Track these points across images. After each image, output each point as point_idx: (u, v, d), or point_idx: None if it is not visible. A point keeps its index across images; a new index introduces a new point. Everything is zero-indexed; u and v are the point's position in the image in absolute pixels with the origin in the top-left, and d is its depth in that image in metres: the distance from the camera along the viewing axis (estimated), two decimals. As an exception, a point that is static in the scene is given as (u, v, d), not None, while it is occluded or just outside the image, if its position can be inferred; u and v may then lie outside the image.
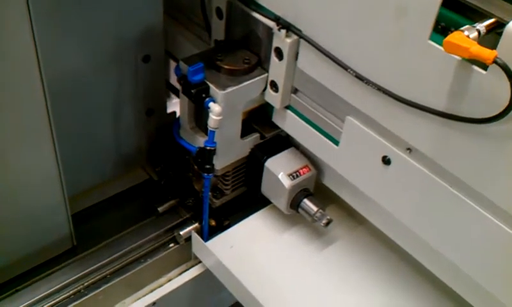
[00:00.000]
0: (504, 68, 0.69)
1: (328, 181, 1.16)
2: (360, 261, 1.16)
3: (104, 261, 1.17)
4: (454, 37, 0.71)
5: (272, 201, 1.19)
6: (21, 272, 1.13)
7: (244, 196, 1.26)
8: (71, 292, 1.13)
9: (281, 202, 1.15)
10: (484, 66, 0.73)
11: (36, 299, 1.10)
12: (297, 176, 1.13)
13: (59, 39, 1.04)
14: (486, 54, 0.68)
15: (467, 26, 0.73)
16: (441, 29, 0.80)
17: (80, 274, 1.15)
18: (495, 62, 0.68)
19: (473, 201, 0.83)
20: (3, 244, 1.07)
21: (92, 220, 1.26)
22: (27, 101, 0.96)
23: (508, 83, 0.69)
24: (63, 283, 1.13)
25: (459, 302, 0.99)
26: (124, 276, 1.16)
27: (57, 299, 1.11)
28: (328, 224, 1.12)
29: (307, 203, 1.14)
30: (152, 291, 1.17)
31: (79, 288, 1.14)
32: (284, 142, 1.18)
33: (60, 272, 1.15)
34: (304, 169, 1.14)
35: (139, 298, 1.16)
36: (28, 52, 0.91)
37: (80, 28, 1.06)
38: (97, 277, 1.16)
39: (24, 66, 0.92)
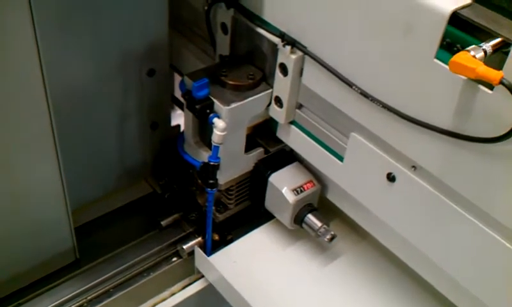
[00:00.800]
0: (510, 88, 0.69)
1: (331, 196, 1.16)
2: (364, 276, 1.16)
3: (107, 275, 1.17)
4: (460, 57, 0.71)
5: (276, 215, 1.19)
6: (24, 285, 1.12)
7: (248, 211, 1.26)
8: (74, 306, 1.13)
9: (285, 217, 1.15)
10: (490, 86, 0.73)
11: (39, 312, 1.10)
12: (301, 191, 1.13)
13: (64, 52, 1.04)
14: (493, 75, 0.68)
15: (473, 46, 0.73)
16: (447, 45, 0.80)
17: (83, 288, 1.15)
18: (501, 83, 0.68)
19: (478, 220, 0.83)
20: (6, 257, 1.07)
21: (95, 234, 1.26)
22: (31, 113, 0.96)
23: (514, 103, 0.70)
24: (66, 297, 1.13)
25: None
26: (127, 290, 1.16)
27: (61, 313, 1.11)
28: (332, 239, 1.12)
29: (311, 218, 1.13)
30: (154, 305, 1.17)
31: (82, 302, 1.13)
32: (288, 157, 1.18)
33: (63, 286, 1.15)
34: (308, 184, 1.14)
35: (142, 312, 1.17)
36: (31, 65, 0.91)
37: (85, 41, 1.06)
38: (100, 291, 1.15)
39: (27, 78, 0.92)
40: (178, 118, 1.38)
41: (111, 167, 1.27)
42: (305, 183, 1.14)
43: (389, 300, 1.12)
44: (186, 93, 1.05)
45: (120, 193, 1.32)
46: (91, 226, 1.27)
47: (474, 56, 0.71)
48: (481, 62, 0.70)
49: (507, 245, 0.80)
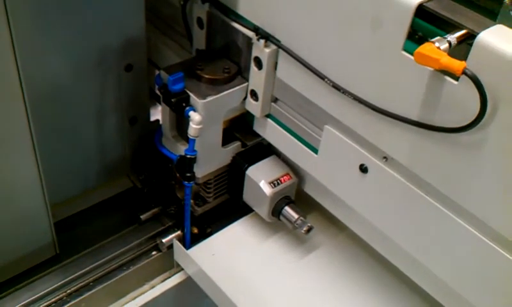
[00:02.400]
0: (473, 78, 0.70)
1: (308, 189, 1.17)
2: (341, 267, 1.18)
3: (86, 269, 1.17)
4: (424, 48, 0.72)
5: (254, 208, 1.20)
6: (3, 280, 1.13)
7: (226, 204, 1.27)
8: (53, 300, 1.13)
9: (263, 210, 1.16)
10: (456, 77, 0.74)
11: (18, 306, 1.10)
12: (278, 183, 1.14)
13: (40, 48, 1.05)
14: (456, 65, 0.70)
15: (438, 38, 0.74)
16: (418, 39, 0.81)
17: (63, 281, 1.15)
18: (464, 73, 0.70)
19: (448, 209, 0.85)
20: (-15, 252, 1.07)
21: (75, 228, 1.26)
22: (6, 108, 0.96)
23: (478, 93, 0.71)
24: (46, 291, 1.13)
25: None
26: (107, 283, 1.17)
27: (40, 306, 1.11)
28: (308, 231, 1.13)
29: (288, 210, 1.15)
30: (134, 298, 1.17)
31: (61, 295, 1.14)
32: (265, 150, 1.19)
33: (43, 280, 1.15)
34: (285, 177, 1.15)
35: (122, 305, 1.17)
36: (7, 60, 0.91)
37: (61, 36, 1.06)
38: (80, 285, 1.16)
39: (3, 75, 0.92)
40: (159, 115, 1.38)
41: (91, 162, 1.27)
42: (282, 176, 1.15)
43: (366, 292, 1.14)
44: (162, 86, 1.06)
45: (99, 188, 1.32)
46: (71, 221, 1.27)
47: (439, 47, 0.72)
48: (445, 53, 0.71)
49: (477, 233, 0.82)
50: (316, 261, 1.19)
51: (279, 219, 1.16)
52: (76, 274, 1.17)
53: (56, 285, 1.15)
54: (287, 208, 1.15)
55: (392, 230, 0.95)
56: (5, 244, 1.10)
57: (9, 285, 1.13)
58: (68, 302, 1.13)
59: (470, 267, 0.86)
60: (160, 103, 1.29)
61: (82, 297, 1.14)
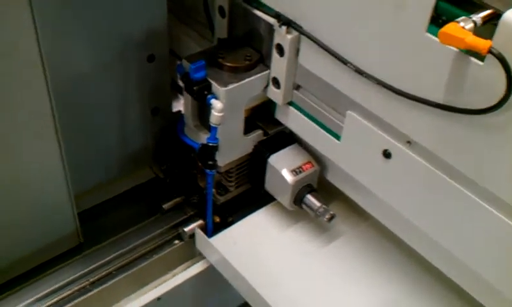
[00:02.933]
0: (500, 58, 0.69)
1: (331, 177, 1.16)
2: (364, 256, 1.17)
3: (109, 258, 1.18)
4: (449, 28, 0.71)
5: (275, 197, 1.20)
6: (28, 269, 1.14)
7: (248, 193, 1.27)
8: (76, 288, 1.14)
9: (285, 198, 1.16)
10: (481, 58, 0.73)
11: (42, 294, 1.12)
12: (300, 172, 1.14)
13: (63, 39, 1.06)
14: (481, 44, 0.69)
15: (463, 17, 0.73)
16: (442, 23, 0.80)
17: (86, 270, 1.16)
18: (490, 52, 0.69)
19: (473, 192, 0.84)
20: (10, 241, 1.08)
21: (99, 218, 1.27)
22: (32, 100, 0.97)
23: (504, 73, 0.70)
24: (69, 279, 1.14)
25: (462, 295, 1.00)
26: (129, 272, 1.17)
27: (63, 295, 1.12)
28: (331, 219, 1.12)
29: (310, 198, 1.14)
30: (156, 287, 1.18)
31: (84, 284, 1.15)
32: (287, 138, 1.19)
33: (66, 269, 1.16)
34: (307, 165, 1.15)
35: (145, 294, 1.18)
36: (32, 51, 0.92)
37: (84, 26, 1.07)
38: (103, 274, 1.17)
39: (27, 65, 0.93)
40: (181, 106, 1.39)
41: (113, 152, 1.28)
42: (304, 164, 1.15)
43: (390, 280, 1.13)
44: (184, 75, 1.06)
45: (122, 178, 1.33)
46: (94, 211, 1.28)
47: (464, 27, 0.72)
48: (470, 33, 0.70)
49: (503, 217, 0.81)
50: (338, 249, 1.18)
51: (301, 208, 1.16)
52: (99, 263, 1.18)
53: (79, 274, 1.16)
54: (309, 196, 1.14)
55: (416, 216, 0.95)
56: (29, 233, 1.11)
57: (34, 274, 1.14)
58: (91, 290, 1.14)
59: (497, 253, 0.84)
60: (181, 94, 1.29)
61: (105, 285, 1.15)
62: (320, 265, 1.15)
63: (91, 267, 1.17)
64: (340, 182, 1.13)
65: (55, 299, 1.12)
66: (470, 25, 0.73)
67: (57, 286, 1.13)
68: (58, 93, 0.99)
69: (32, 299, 1.11)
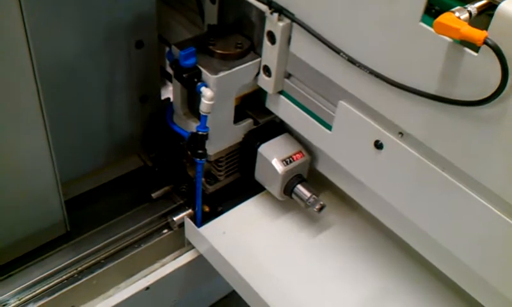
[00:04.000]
0: (495, 49, 0.68)
1: (321, 167, 1.16)
2: (354, 246, 1.16)
3: (97, 246, 1.17)
4: (444, 18, 0.70)
5: (265, 187, 1.19)
6: (14, 257, 1.13)
7: (238, 182, 1.26)
8: (65, 277, 1.13)
9: (275, 188, 1.15)
10: (476, 48, 0.73)
11: (29, 283, 1.10)
12: (290, 161, 1.13)
13: (50, 25, 1.04)
14: (477, 34, 0.68)
15: (458, 7, 0.73)
16: (435, 13, 0.79)
17: (74, 258, 1.15)
18: (485, 43, 0.68)
19: (465, 185, 0.83)
20: (-3, 229, 1.07)
21: (86, 207, 1.26)
22: (18, 86, 0.95)
23: (499, 64, 0.69)
24: (57, 268, 1.13)
25: (452, 286, 1.00)
26: (118, 261, 1.16)
27: (51, 283, 1.11)
28: (321, 209, 1.12)
29: (300, 188, 1.13)
30: (145, 276, 1.17)
31: (72, 272, 1.14)
32: (278, 128, 1.18)
33: (54, 257, 1.15)
34: (297, 155, 1.14)
35: (133, 283, 1.16)
36: (18, 37, 0.90)
37: (71, 11, 1.05)
38: (91, 262, 1.15)
39: (13, 51, 0.91)
40: (170, 93, 1.37)
41: (101, 140, 1.26)
42: (294, 154, 1.14)
43: (379, 270, 1.13)
44: (173, 62, 1.05)
45: (111, 166, 1.32)
46: (82, 199, 1.27)
47: (459, 17, 0.71)
48: (466, 23, 0.70)
49: (494, 209, 0.80)
50: (328, 240, 1.18)
51: (291, 198, 1.15)
52: (87, 252, 1.16)
53: (66, 262, 1.14)
54: (299, 186, 1.13)
55: (407, 207, 0.94)
56: (16, 222, 1.10)
57: (21, 262, 1.13)
58: (80, 279, 1.13)
59: (487, 245, 0.84)
60: (171, 81, 1.28)
61: (94, 274, 1.14)
62: (310, 255, 1.15)
63: (79, 256, 1.15)
64: (330, 173, 1.13)
65: (43, 288, 1.11)
66: (465, 15, 0.72)
67: (45, 274, 1.12)
68: (45, 80, 0.98)
69: (19, 288, 1.10)
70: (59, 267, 1.13)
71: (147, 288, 1.15)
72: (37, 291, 1.10)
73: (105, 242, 1.18)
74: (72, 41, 1.09)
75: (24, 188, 1.07)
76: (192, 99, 1.12)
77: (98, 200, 1.28)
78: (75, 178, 1.25)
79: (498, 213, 0.80)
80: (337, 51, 0.91)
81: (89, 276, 1.14)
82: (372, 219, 1.08)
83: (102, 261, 1.16)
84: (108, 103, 1.22)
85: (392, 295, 1.09)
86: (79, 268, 1.14)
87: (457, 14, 0.71)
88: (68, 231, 1.19)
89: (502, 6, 0.69)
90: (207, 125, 1.06)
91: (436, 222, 0.90)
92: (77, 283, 1.12)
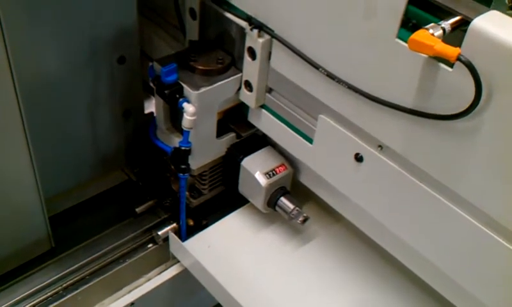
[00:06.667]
0: (468, 65, 0.70)
1: (304, 179, 1.17)
2: (337, 257, 1.17)
3: (82, 262, 1.17)
4: (418, 35, 0.72)
5: (249, 200, 1.20)
6: (-1, 274, 1.13)
7: (222, 196, 1.27)
8: (50, 293, 1.13)
9: (259, 201, 1.16)
10: (451, 64, 0.74)
11: (14, 300, 1.10)
12: (273, 174, 1.14)
13: (30, 39, 1.03)
14: (450, 51, 0.70)
15: (432, 24, 0.74)
16: (412, 27, 0.81)
17: (59, 275, 1.15)
18: (458, 59, 0.70)
19: (443, 197, 0.85)
20: (-20, 246, 1.07)
21: (71, 222, 1.26)
22: (-1, 101, 0.95)
23: (472, 80, 0.71)
24: (42, 285, 1.13)
25: (433, 294, 1.01)
26: (103, 277, 1.16)
27: (36, 300, 1.11)
28: (304, 221, 1.13)
29: (284, 201, 1.14)
30: (130, 291, 1.17)
31: (57, 289, 1.13)
32: (260, 141, 1.19)
33: (38, 274, 1.15)
34: (280, 168, 1.15)
35: (118, 298, 1.16)
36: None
37: (52, 27, 1.05)
38: (76, 278, 1.15)
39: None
40: (153, 107, 1.37)
41: (85, 155, 1.26)
42: (277, 167, 1.15)
43: (363, 281, 1.14)
44: (155, 78, 1.05)
45: (94, 181, 1.31)
46: (66, 215, 1.26)
47: (433, 34, 0.72)
48: (439, 40, 0.71)
49: (472, 220, 0.82)
50: (312, 251, 1.19)
51: (275, 210, 1.16)
52: (72, 268, 1.16)
53: (51, 279, 1.14)
54: (282, 198, 1.14)
55: (387, 219, 0.95)
56: (0, 239, 1.09)
57: (5, 280, 1.12)
58: (65, 295, 1.13)
59: (466, 254, 0.86)
60: (153, 96, 1.28)
61: (79, 290, 1.14)
62: (295, 267, 1.16)
63: (63, 272, 1.15)
64: (313, 184, 1.14)
65: (28, 305, 1.10)
66: (439, 31, 0.74)
67: (29, 292, 1.12)
68: (27, 95, 0.98)
69: (4, 305, 1.09)
70: (44, 283, 1.13)
71: (132, 303, 1.15)
72: (22, 309, 1.10)
73: (90, 257, 1.17)
74: (54, 56, 1.09)
75: (6, 205, 1.07)
76: (174, 114, 1.13)
77: (82, 215, 1.27)
78: (59, 193, 1.24)
79: (476, 223, 0.81)
80: (316, 66, 0.92)
81: (74, 292, 1.13)
82: (355, 229, 1.09)
83: (87, 277, 1.16)
84: (91, 118, 1.22)
85: (376, 305, 1.10)
86: (64, 285, 1.14)
87: (431, 31, 0.73)
88: (52, 247, 1.19)
89: (474, 23, 0.70)
90: (190, 140, 1.06)
91: (416, 233, 0.92)
92: (62, 300, 1.12)
